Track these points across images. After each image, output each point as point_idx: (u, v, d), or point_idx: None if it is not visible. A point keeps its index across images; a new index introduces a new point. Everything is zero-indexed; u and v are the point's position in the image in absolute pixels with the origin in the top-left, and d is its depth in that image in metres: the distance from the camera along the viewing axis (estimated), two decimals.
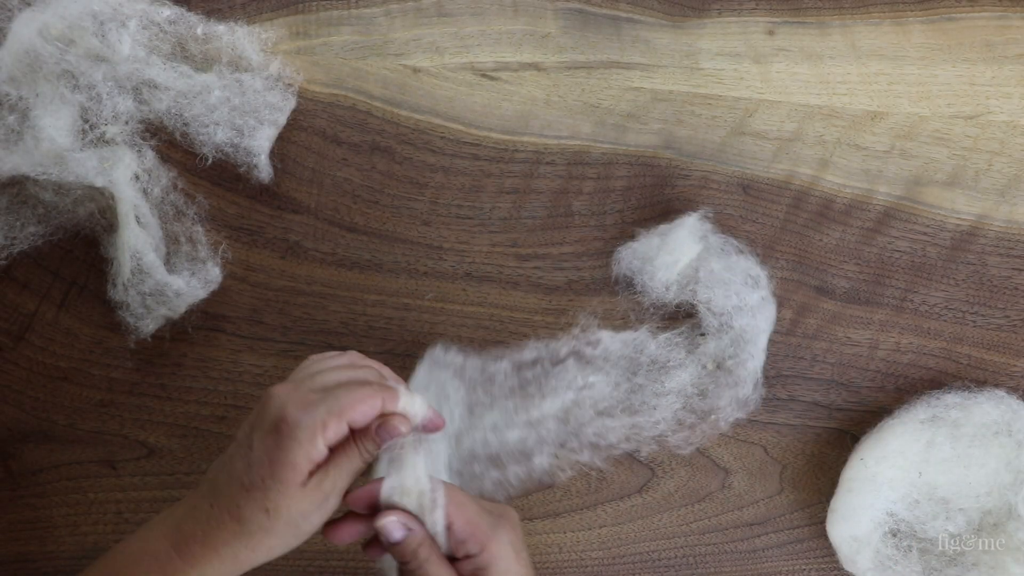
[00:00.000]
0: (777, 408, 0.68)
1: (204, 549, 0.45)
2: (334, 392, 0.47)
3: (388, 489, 0.48)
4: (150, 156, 0.65)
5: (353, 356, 0.52)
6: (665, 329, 0.66)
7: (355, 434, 0.47)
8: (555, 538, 0.66)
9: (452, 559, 0.49)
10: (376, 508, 0.48)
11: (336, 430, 0.46)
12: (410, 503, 0.48)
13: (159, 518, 0.48)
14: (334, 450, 0.47)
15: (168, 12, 0.65)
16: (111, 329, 0.65)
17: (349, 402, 0.46)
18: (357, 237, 0.67)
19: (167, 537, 0.46)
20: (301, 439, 0.45)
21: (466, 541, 0.48)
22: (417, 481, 0.48)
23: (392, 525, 0.47)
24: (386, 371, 0.53)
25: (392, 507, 0.48)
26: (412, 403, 0.49)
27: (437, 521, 0.48)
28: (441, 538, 0.48)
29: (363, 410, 0.47)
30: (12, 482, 0.64)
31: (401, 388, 0.49)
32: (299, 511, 0.45)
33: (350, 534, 0.49)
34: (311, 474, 0.46)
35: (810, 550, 0.68)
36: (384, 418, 0.47)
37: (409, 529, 0.47)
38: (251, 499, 0.45)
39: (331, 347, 0.66)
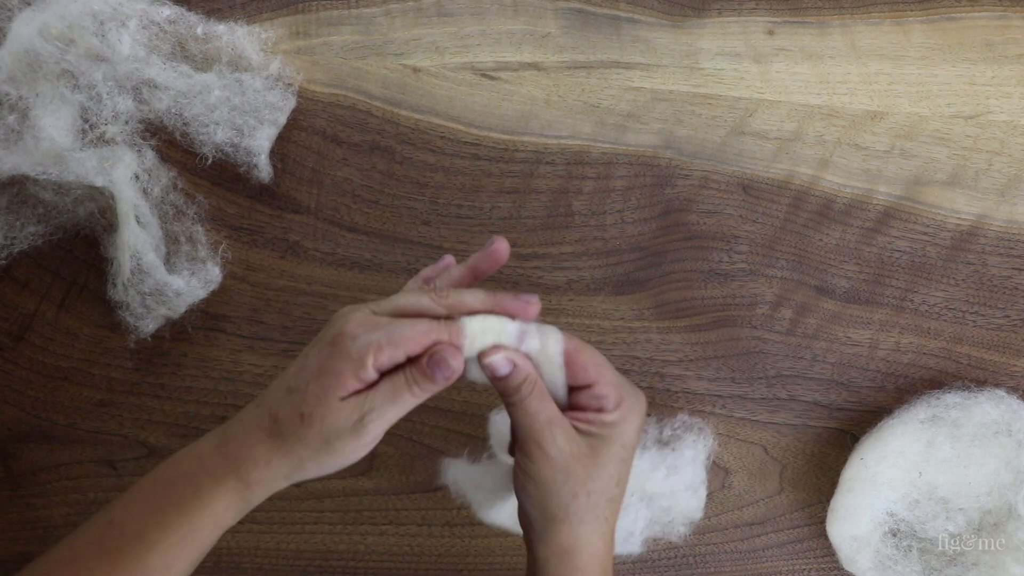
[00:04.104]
0: (777, 408, 0.68)
1: (241, 448, 0.46)
2: (399, 320, 0.46)
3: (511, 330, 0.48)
4: (150, 156, 0.65)
5: (441, 280, 0.52)
6: None
7: (408, 363, 0.46)
8: None
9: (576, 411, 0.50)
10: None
11: (390, 355, 0.45)
12: (532, 348, 0.49)
13: (214, 429, 0.48)
14: (384, 376, 0.46)
15: (168, 12, 0.65)
16: (111, 329, 0.64)
17: (411, 333, 0.46)
18: (357, 237, 0.67)
19: (215, 438, 0.47)
20: (351, 353, 0.45)
21: (606, 396, 0.49)
22: (538, 332, 0.49)
23: (498, 361, 0.47)
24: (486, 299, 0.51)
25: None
26: (486, 323, 0.48)
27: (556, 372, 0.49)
28: (560, 391, 0.49)
29: (423, 343, 0.46)
30: (12, 482, 0.64)
31: (474, 321, 0.48)
32: (332, 424, 0.45)
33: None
34: (355, 393, 0.45)
35: (810, 550, 0.68)
36: (436, 347, 0.46)
37: (515, 365, 0.47)
38: (291, 401, 0.45)
39: None
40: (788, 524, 0.68)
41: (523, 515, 0.51)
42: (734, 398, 0.68)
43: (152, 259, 0.62)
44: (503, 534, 0.66)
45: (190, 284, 0.63)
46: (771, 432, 0.68)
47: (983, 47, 0.72)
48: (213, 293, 0.64)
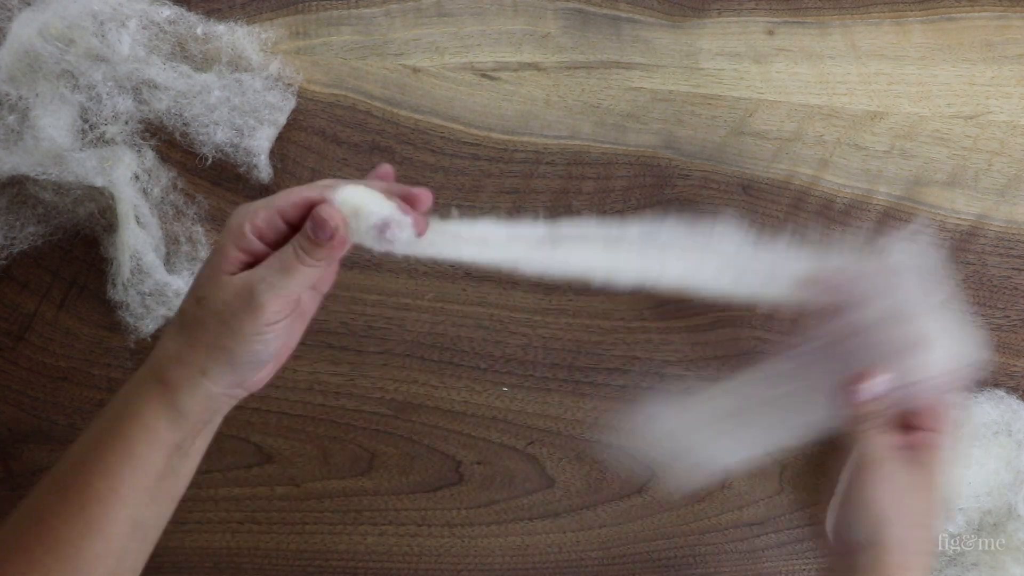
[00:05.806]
0: None
1: (157, 350, 0.46)
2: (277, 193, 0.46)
3: None
4: (150, 156, 0.65)
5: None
6: None
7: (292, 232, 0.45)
8: (555, 538, 0.66)
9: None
10: None
11: (264, 217, 0.44)
12: None
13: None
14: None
15: (168, 12, 0.65)
16: (111, 329, 0.64)
17: (283, 195, 0.45)
18: None
19: (147, 364, 0.46)
20: (231, 227, 0.45)
21: (944, 417, 0.48)
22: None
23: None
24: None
25: None
26: (359, 193, 0.45)
27: None
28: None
29: (294, 200, 0.45)
30: (12, 482, 0.64)
31: (349, 183, 0.46)
32: (223, 300, 0.44)
33: None
34: (245, 268, 0.45)
35: (810, 550, 0.68)
36: (315, 209, 0.44)
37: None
38: (189, 294, 0.46)
39: (331, 347, 0.66)
40: (788, 524, 0.68)
41: (841, 534, 0.49)
42: None
43: (152, 259, 0.62)
44: (502, 534, 0.66)
45: (190, 284, 0.63)
46: None
47: (983, 47, 0.72)
48: None
